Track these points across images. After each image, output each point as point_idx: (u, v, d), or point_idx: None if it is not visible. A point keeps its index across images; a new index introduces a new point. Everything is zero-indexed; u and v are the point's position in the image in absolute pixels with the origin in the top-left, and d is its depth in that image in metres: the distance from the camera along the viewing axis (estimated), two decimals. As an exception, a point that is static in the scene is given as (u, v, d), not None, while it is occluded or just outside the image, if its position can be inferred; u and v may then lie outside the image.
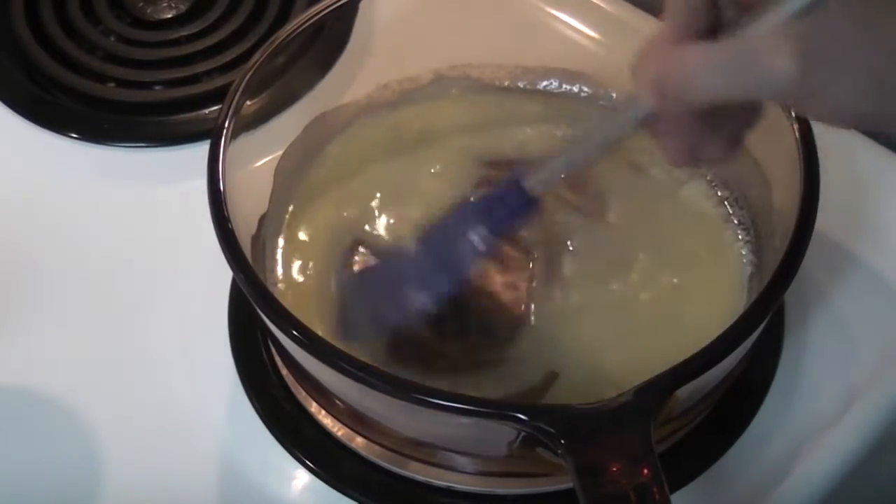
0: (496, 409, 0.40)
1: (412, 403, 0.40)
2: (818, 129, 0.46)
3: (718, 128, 0.38)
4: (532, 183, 0.44)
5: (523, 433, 0.40)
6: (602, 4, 0.63)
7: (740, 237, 0.54)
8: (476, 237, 0.46)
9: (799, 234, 0.44)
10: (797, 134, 0.46)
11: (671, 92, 0.36)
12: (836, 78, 0.33)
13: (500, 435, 0.41)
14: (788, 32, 0.33)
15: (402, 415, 0.44)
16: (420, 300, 0.47)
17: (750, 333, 0.42)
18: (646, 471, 0.37)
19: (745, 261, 0.53)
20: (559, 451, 0.38)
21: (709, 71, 0.35)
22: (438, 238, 0.48)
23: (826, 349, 0.54)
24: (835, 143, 0.47)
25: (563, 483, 0.48)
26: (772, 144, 0.48)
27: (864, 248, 0.57)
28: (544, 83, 0.60)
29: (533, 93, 0.60)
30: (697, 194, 0.55)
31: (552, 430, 0.38)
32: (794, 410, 0.52)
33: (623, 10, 0.64)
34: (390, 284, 0.49)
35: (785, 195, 0.49)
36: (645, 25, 0.62)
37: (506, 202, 0.45)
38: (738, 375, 0.50)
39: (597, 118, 0.39)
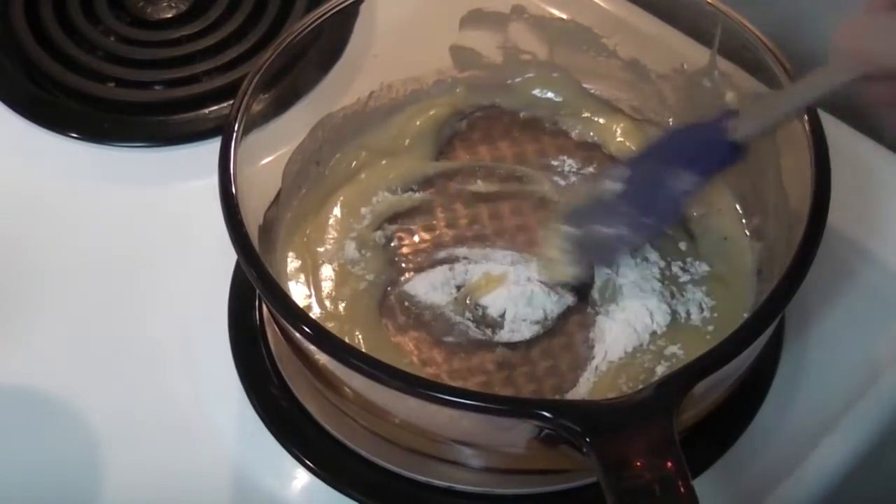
0: (520, 408, 0.41)
1: (432, 402, 0.40)
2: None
3: None
4: (739, 132, 0.46)
5: (546, 430, 0.40)
6: (601, 3, 0.63)
7: (747, 232, 0.54)
8: (680, 179, 0.48)
9: (811, 231, 0.44)
10: (808, 129, 0.47)
11: (867, 57, 0.37)
12: None
13: (521, 432, 0.42)
14: None
15: (419, 410, 0.44)
16: (626, 238, 0.51)
17: (767, 327, 0.43)
18: (669, 464, 0.37)
19: (752, 254, 0.53)
20: (584, 449, 0.38)
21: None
22: (641, 176, 0.50)
23: (827, 346, 0.54)
24: (839, 144, 0.48)
25: (564, 483, 0.48)
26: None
27: (866, 246, 0.57)
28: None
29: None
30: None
31: (577, 428, 0.38)
32: (796, 406, 0.52)
33: (622, 8, 0.64)
34: (600, 218, 0.51)
35: (793, 186, 0.49)
36: (642, 23, 0.63)
37: (711, 148, 0.47)
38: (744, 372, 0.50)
39: (808, 76, 0.44)
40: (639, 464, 0.37)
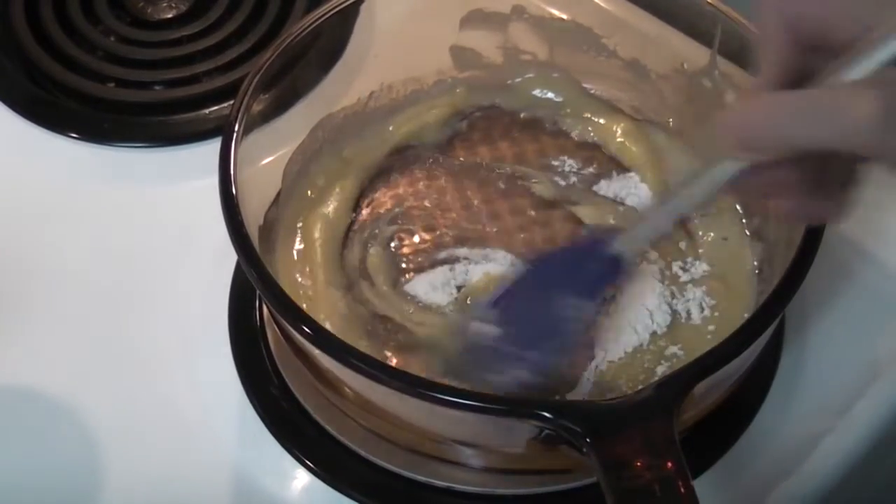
0: (520, 408, 0.41)
1: (432, 403, 0.40)
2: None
3: (823, 185, 0.37)
4: (621, 248, 0.44)
5: (546, 431, 0.40)
6: (601, 3, 0.63)
7: (747, 232, 0.54)
8: (567, 306, 0.46)
9: (811, 231, 0.44)
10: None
11: (750, 142, 0.35)
12: None
13: (521, 432, 0.42)
14: (875, 82, 0.32)
15: (419, 411, 0.44)
16: (518, 375, 0.46)
17: (767, 327, 0.43)
18: (669, 464, 0.37)
19: (752, 254, 0.53)
20: (584, 449, 0.38)
21: (788, 117, 0.34)
22: (522, 306, 0.47)
23: (827, 346, 0.54)
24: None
25: (564, 483, 0.48)
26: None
27: (866, 246, 0.57)
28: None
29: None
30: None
31: (577, 429, 0.38)
32: (796, 406, 0.52)
33: (622, 8, 0.64)
34: (483, 357, 0.47)
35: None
36: (642, 23, 0.62)
37: (594, 268, 0.45)
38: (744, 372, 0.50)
39: (685, 177, 0.41)
40: (639, 464, 0.37)
